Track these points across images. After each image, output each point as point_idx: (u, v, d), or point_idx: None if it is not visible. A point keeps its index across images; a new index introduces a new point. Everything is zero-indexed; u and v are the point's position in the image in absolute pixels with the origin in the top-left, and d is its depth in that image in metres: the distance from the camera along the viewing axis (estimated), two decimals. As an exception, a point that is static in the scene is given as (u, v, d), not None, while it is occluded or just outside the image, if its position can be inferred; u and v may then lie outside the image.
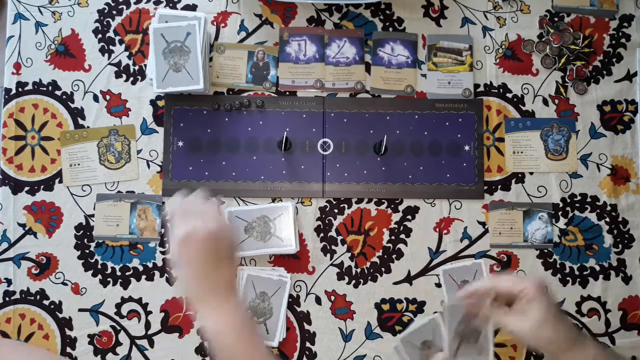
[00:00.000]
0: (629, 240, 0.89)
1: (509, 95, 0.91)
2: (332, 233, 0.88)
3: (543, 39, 0.91)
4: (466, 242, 0.88)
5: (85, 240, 0.88)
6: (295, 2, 0.90)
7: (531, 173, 0.90)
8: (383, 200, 0.89)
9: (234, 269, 0.62)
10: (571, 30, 0.91)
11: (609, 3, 0.92)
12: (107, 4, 0.91)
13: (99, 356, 0.86)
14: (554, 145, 0.90)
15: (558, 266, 0.88)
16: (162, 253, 0.87)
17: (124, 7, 0.91)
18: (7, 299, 0.86)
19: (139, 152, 0.89)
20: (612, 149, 0.90)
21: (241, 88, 0.90)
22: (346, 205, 0.89)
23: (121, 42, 0.91)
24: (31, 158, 0.89)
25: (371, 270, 0.88)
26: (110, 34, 0.91)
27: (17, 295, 0.86)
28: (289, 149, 0.88)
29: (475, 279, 0.87)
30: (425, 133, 0.90)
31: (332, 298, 0.87)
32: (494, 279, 0.65)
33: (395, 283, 0.88)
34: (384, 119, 0.90)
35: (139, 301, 0.87)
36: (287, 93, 0.91)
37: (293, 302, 0.87)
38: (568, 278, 0.88)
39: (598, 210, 0.89)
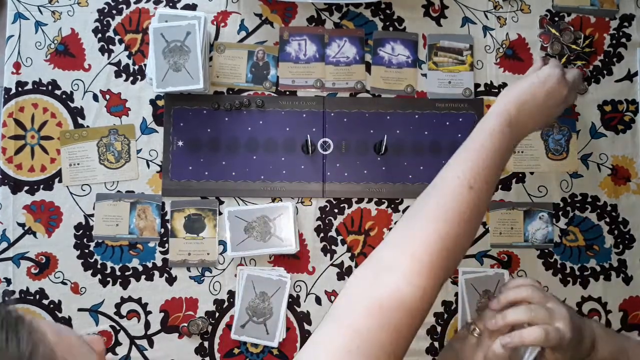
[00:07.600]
0: (630, 240, 0.89)
1: (510, 95, 0.91)
2: (332, 233, 0.88)
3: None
4: (466, 242, 0.88)
5: (85, 239, 0.87)
6: (296, 2, 0.90)
7: (532, 173, 0.90)
8: (383, 200, 0.89)
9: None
10: (572, 29, 0.91)
11: (609, 3, 0.92)
12: (107, 3, 0.91)
13: (99, 356, 0.86)
14: (555, 145, 0.90)
15: (558, 266, 0.88)
16: (162, 253, 0.87)
17: (124, 6, 0.91)
18: (6, 298, 0.86)
19: (138, 151, 0.89)
20: (612, 149, 0.90)
21: (241, 88, 0.90)
22: (346, 205, 0.88)
23: (121, 41, 0.90)
24: (31, 157, 0.88)
25: (371, 270, 0.87)
26: (110, 33, 0.91)
27: (17, 295, 0.86)
28: (314, 151, 0.87)
29: (498, 288, 0.84)
30: (426, 133, 0.89)
31: (332, 298, 0.87)
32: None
33: (396, 283, 0.87)
34: (384, 118, 0.89)
35: (138, 301, 0.87)
36: (287, 93, 0.90)
37: (293, 302, 0.87)
38: (568, 278, 0.88)
39: (598, 211, 0.89)
